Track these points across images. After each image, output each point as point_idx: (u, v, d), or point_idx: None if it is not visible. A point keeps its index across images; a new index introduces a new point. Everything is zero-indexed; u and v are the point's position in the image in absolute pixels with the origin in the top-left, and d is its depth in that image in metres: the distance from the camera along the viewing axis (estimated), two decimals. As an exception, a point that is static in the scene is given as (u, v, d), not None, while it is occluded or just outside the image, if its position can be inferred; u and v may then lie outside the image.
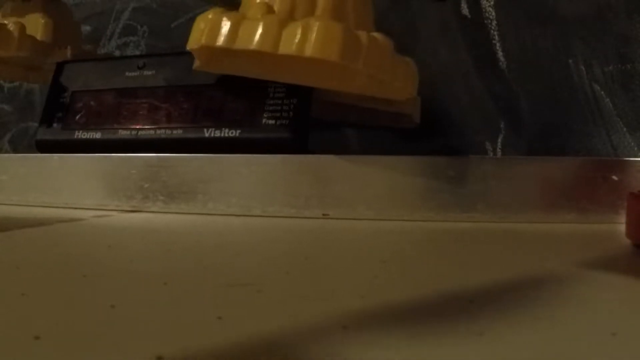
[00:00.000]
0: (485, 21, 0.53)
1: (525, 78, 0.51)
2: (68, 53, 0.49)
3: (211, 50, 0.34)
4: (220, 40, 0.32)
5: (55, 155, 0.41)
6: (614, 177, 0.32)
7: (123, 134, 0.42)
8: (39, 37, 0.50)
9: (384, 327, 0.15)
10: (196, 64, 0.36)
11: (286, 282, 0.20)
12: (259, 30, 0.30)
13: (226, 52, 0.33)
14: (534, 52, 0.51)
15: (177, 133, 0.40)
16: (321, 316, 0.16)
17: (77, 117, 0.44)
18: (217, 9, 0.33)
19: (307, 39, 0.30)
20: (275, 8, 0.33)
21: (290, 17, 0.32)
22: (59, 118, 0.44)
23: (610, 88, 0.48)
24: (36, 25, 0.51)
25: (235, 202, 0.36)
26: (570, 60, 0.50)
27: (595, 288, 0.19)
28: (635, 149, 0.48)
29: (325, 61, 0.30)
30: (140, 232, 0.32)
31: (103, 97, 0.44)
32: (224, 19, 0.32)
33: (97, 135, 0.42)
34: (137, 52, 0.67)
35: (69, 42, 0.52)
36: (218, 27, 0.32)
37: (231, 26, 0.31)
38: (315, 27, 0.30)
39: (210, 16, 0.33)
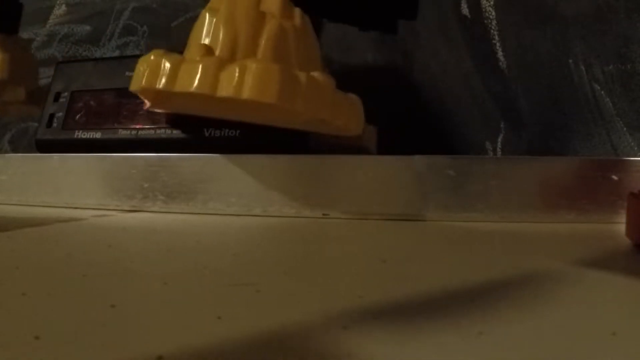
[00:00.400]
0: (485, 21, 0.53)
1: (525, 78, 0.51)
2: (23, 91, 0.48)
3: (155, 92, 0.34)
4: (160, 83, 0.32)
5: (55, 155, 0.41)
6: (614, 177, 0.32)
7: (123, 133, 0.42)
8: None
9: (383, 327, 0.15)
10: (146, 104, 0.36)
11: (286, 282, 0.20)
12: (197, 73, 0.31)
13: (169, 93, 0.33)
14: (534, 52, 0.51)
15: (177, 133, 0.40)
16: (321, 316, 0.16)
17: (77, 117, 0.44)
18: (159, 50, 0.33)
19: (244, 81, 0.30)
20: (217, 50, 0.33)
21: (231, 58, 0.32)
22: (58, 118, 0.44)
23: (610, 88, 0.48)
24: None
25: (235, 202, 0.36)
26: (570, 60, 0.50)
27: (595, 288, 0.19)
28: (635, 148, 0.48)
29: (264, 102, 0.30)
30: (140, 232, 0.32)
31: (103, 96, 0.44)
32: (164, 61, 0.32)
33: (97, 135, 0.42)
34: (137, 52, 0.67)
35: (26, 79, 0.51)
36: (158, 70, 0.32)
37: (170, 69, 0.32)
38: (252, 69, 0.30)
39: (151, 57, 0.33)
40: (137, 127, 0.41)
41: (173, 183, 0.38)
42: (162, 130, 0.40)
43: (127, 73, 0.44)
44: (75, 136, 0.43)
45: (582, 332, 0.14)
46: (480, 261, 0.24)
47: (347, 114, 0.33)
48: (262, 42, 0.33)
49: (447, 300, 0.17)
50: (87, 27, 0.71)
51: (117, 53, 0.69)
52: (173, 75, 0.32)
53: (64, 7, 0.72)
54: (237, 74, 0.30)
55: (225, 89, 0.30)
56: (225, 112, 0.35)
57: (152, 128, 0.41)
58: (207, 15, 0.35)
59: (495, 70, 0.52)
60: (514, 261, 0.24)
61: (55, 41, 0.73)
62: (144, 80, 0.32)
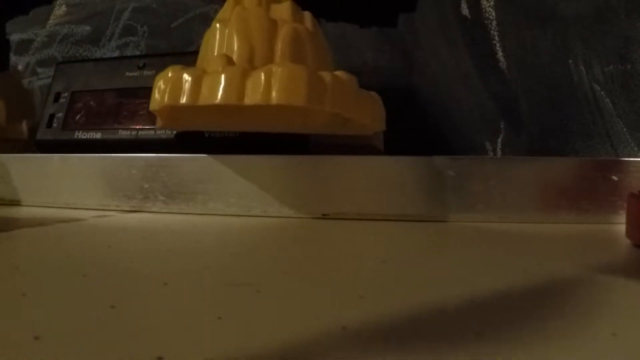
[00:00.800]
0: (485, 21, 0.53)
1: (525, 78, 0.51)
2: (24, 128, 0.48)
3: (174, 109, 0.33)
4: (184, 98, 0.31)
5: (56, 155, 0.41)
6: (614, 178, 0.32)
7: (123, 134, 0.42)
8: None
9: (383, 327, 0.15)
10: (158, 123, 0.36)
11: (286, 282, 0.20)
12: (222, 84, 0.30)
13: (189, 108, 0.32)
14: (534, 52, 0.51)
15: (177, 133, 0.40)
16: (321, 316, 0.16)
17: (77, 117, 0.44)
18: (175, 66, 0.33)
19: (272, 87, 0.29)
20: (235, 59, 0.32)
21: (250, 66, 0.32)
22: (59, 118, 0.44)
23: (610, 88, 0.48)
24: None
25: (235, 203, 0.36)
26: (570, 61, 0.50)
27: (595, 288, 0.19)
28: (635, 149, 0.48)
29: (291, 106, 0.30)
30: (141, 232, 0.32)
31: (103, 97, 0.44)
32: (185, 75, 0.31)
33: (97, 135, 0.42)
34: (137, 52, 0.67)
35: (24, 114, 0.51)
36: (180, 85, 0.31)
37: (192, 82, 0.31)
38: (278, 73, 0.30)
39: (170, 74, 0.32)
40: (137, 127, 0.41)
41: (173, 183, 0.38)
42: (162, 131, 0.40)
43: (127, 73, 0.44)
44: (75, 136, 0.43)
45: (581, 332, 0.14)
46: (480, 261, 0.24)
47: (371, 112, 0.33)
48: (279, 47, 0.33)
49: (446, 301, 0.17)
50: (87, 28, 0.71)
51: (117, 53, 0.69)
52: (196, 88, 0.31)
53: (64, 8, 0.72)
54: (263, 80, 0.29)
55: (253, 97, 0.29)
56: (246, 124, 0.35)
57: (152, 128, 0.41)
58: (219, 26, 0.34)
59: (495, 70, 0.52)
60: (514, 261, 0.24)
61: (55, 41, 0.73)
62: (166, 97, 0.31)
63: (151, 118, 0.41)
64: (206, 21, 0.64)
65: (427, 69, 0.55)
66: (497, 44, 0.52)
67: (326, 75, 0.31)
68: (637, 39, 0.47)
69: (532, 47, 0.51)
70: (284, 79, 0.29)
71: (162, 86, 0.32)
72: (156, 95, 0.33)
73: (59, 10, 0.73)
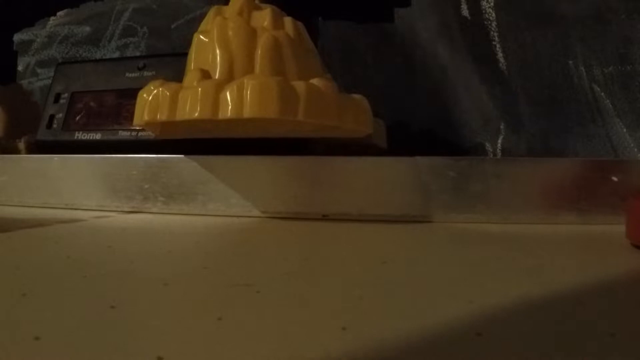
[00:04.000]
0: (485, 22, 0.53)
1: (525, 79, 0.51)
2: (22, 145, 0.47)
3: (158, 123, 0.34)
4: (162, 114, 0.32)
5: (56, 156, 0.41)
6: (614, 178, 0.32)
7: (123, 134, 0.42)
8: None
9: (383, 328, 0.15)
10: (153, 134, 0.36)
11: (286, 282, 0.20)
12: (196, 99, 0.31)
13: (172, 122, 0.33)
14: (534, 53, 0.51)
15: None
16: (320, 317, 0.16)
17: (77, 118, 0.44)
18: (157, 80, 0.33)
19: (244, 100, 0.30)
20: (216, 72, 0.33)
21: (230, 78, 0.32)
22: (59, 119, 0.44)
23: (610, 89, 0.48)
24: None
25: (235, 203, 0.36)
26: (570, 61, 0.50)
27: (595, 288, 0.19)
28: (635, 149, 0.48)
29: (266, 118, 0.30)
30: (141, 233, 0.32)
31: (103, 98, 0.44)
32: (163, 91, 0.32)
33: (97, 136, 0.42)
34: (137, 53, 0.67)
35: (25, 131, 0.50)
36: (157, 101, 0.32)
37: (170, 98, 0.32)
38: (250, 86, 0.30)
39: (150, 88, 0.33)
40: (137, 128, 0.41)
41: (173, 184, 0.38)
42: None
43: (127, 74, 0.44)
44: (76, 137, 0.43)
45: (581, 332, 0.14)
46: (480, 262, 0.24)
47: (353, 117, 0.33)
48: (258, 57, 0.33)
49: (446, 301, 0.17)
50: (87, 28, 0.71)
51: (117, 54, 0.69)
52: (173, 104, 0.31)
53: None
54: (235, 94, 0.30)
55: (226, 111, 0.30)
56: (233, 131, 0.35)
57: (152, 129, 0.41)
58: (200, 39, 0.35)
59: (495, 70, 0.52)
60: (514, 262, 0.24)
61: (55, 42, 0.73)
62: (145, 114, 0.32)
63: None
64: (206, 22, 0.64)
65: (427, 69, 0.55)
66: (497, 45, 0.52)
67: (300, 86, 0.31)
68: (637, 40, 0.47)
69: (532, 47, 0.51)
70: (256, 92, 0.30)
71: (143, 102, 0.33)
72: (138, 110, 0.34)
73: (59, 11, 0.73)
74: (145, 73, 0.43)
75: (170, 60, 0.43)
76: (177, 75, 0.42)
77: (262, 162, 0.36)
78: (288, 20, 0.35)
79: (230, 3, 0.36)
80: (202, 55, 0.34)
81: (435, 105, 0.55)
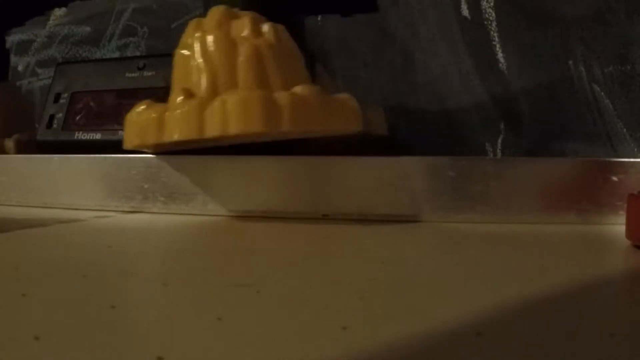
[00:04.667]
0: (485, 22, 0.53)
1: (525, 79, 0.51)
2: (11, 144, 0.47)
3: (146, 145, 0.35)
4: (150, 137, 0.32)
5: (56, 156, 0.41)
6: (614, 178, 0.32)
7: (123, 134, 0.42)
8: None
9: (383, 328, 0.15)
10: (148, 151, 0.37)
11: (285, 282, 0.20)
12: (181, 120, 0.31)
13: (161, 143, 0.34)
14: (534, 53, 0.51)
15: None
16: (321, 316, 0.16)
17: (77, 118, 0.44)
18: (144, 102, 0.34)
19: (228, 117, 0.30)
20: (200, 87, 0.33)
21: (213, 94, 0.32)
22: (59, 119, 0.44)
23: (610, 89, 0.48)
24: None
25: (235, 203, 0.36)
26: (570, 61, 0.50)
27: (595, 288, 0.19)
28: (635, 149, 0.48)
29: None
30: (140, 232, 0.32)
31: (103, 97, 0.44)
32: (149, 113, 0.33)
33: (97, 136, 0.42)
34: (137, 53, 0.67)
35: (18, 127, 0.50)
36: (145, 124, 0.33)
37: (156, 121, 0.32)
38: (232, 102, 0.30)
39: (137, 111, 0.34)
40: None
41: (173, 184, 0.38)
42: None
43: (127, 74, 0.44)
44: (75, 137, 0.43)
45: (580, 332, 0.14)
46: (480, 262, 0.24)
47: (340, 119, 0.33)
48: (240, 69, 0.33)
49: (446, 301, 0.17)
50: (87, 28, 0.71)
51: (117, 54, 0.69)
52: (160, 126, 0.32)
53: (64, 8, 0.72)
54: (218, 111, 0.30)
55: (211, 130, 0.30)
56: (221, 143, 0.35)
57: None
58: (182, 54, 0.35)
59: (495, 70, 0.52)
60: (514, 262, 0.24)
61: (55, 42, 0.73)
62: (134, 138, 0.33)
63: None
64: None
65: (427, 69, 0.55)
66: (497, 45, 0.52)
67: (283, 97, 0.31)
68: (637, 40, 0.47)
69: (532, 47, 0.51)
70: (239, 108, 0.30)
71: (131, 125, 0.34)
72: (127, 134, 0.34)
73: (59, 10, 0.73)
74: (145, 73, 0.43)
75: (170, 60, 0.43)
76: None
77: (262, 162, 0.36)
78: (268, 27, 0.35)
79: (209, 15, 0.36)
80: (184, 71, 0.34)
81: (435, 105, 0.55)
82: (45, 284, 0.19)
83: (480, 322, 0.15)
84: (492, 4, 0.52)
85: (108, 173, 0.39)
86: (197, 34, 0.34)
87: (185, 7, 0.66)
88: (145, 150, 0.37)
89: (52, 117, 0.44)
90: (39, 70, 0.73)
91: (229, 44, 0.34)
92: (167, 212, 0.37)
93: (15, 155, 0.43)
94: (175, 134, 0.31)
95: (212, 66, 0.33)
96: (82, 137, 0.43)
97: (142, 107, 0.34)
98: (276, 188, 0.36)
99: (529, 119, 0.51)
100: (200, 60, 0.34)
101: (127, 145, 0.35)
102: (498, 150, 0.53)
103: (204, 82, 0.33)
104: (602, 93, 0.49)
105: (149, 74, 0.43)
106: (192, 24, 0.36)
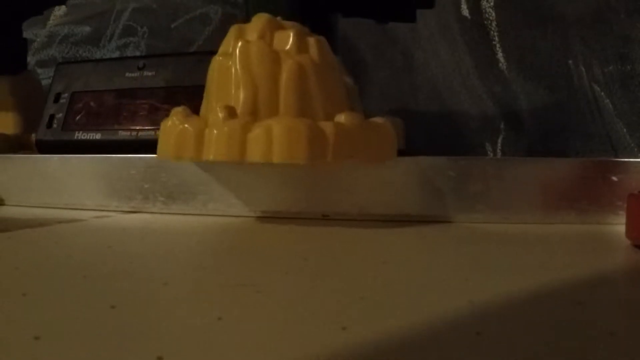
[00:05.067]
0: (485, 22, 0.53)
1: (525, 78, 0.51)
2: (32, 139, 0.47)
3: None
4: (188, 153, 0.32)
5: (56, 156, 0.41)
6: (614, 178, 0.32)
7: (123, 134, 0.42)
8: (9, 132, 0.49)
9: (383, 328, 0.15)
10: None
11: (286, 282, 0.20)
12: (223, 141, 0.30)
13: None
14: (534, 53, 0.51)
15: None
16: (321, 317, 0.16)
17: (77, 118, 0.44)
18: (180, 111, 0.33)
19: (272, 144, 0.30)
20: (238, 102, 0.32)
21: (253, 110, 0.32)
22: (59, 119, 0.44)
23: (610, 89, 0.48)
24: (5, 120, 0.49)
25: (235, 203, 0.36)
26: (570, 61, 0.50)
27: (595, 288, 0.19)
28: (635, 149, 0.48)
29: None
30: (140, 232, 0.32)
31: (103, 97, 0.44)
32: (187, 128, 0.32)
33: (97, 136, 0.42)
34: (137, 53, 0.67)
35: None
36: (183, 139, 0.32)
37: (195, 137, 0.31)
38: (278, 130, 0.30)
39: (175, 121, 0.32)
40: (137, 128, 0.41)
41: (173, 184, 0.38)
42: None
43: (127, 74, 0.44)
44: (75, 137, 0.43)
45: (580, 332, 0.14)
46: (480, 262, 0.24)
47: (378, 148, 0.33)
48: (282, 87, 0.32)
49: (446, 301, 0.17)
50: (87, 28, 0.71)
51: (117, 54, 0.69)
52: (199, 143, 0.31)
53: (64, 8, 0.73)
54: (263, 138, 0.30)
55: (253, 155, 0.30)
56: (253, 166, 0.35)
57: (152, 129, 0.41)
58: (221, 62, 0.34)
59: (495, 70, 0.52)
60: (514, 262, 0.24)
61: (55, 42, 0.73)
62: (171, 153, 0.32)
63: (151, 119, 0.41)
64: (206, 22, 0.64)
65: (427, 69, 0.55)
66: (497, 44, 0.52)
67: (328, 127, 0.30)
68: (637, 40, 0.47)
69: (532, 47, 0.51)
70: (284, 137, 0.30)
71: (167, 137, 0.33)
72: (162, 145, 0.33)
73: (59, 10, 0.73)
74: (145, 73, 0.43)
75: (170, 60, 0.43)
76: (176, 75, 0.42)
77: (262, 162, 0.36)
78: (312, 42, 0.34)
79: (252, 23, 0.35)
80: (223, 80, 0.33)
81: (435, 105, 0.55)
82: (45, 284, 0.19)
83: (480, 322, 0.15)
84: (492, 3, 0.52)
85: (108, 173, 0.39)
86: (239, 43, 0.33)
87: (185, 7, 0.66)
88: (172, 160, 0.36)
89: (52, 117, 0.44)
90: (39, 70, 0.73)
91: (272, 57, 0.33)
92: (167, 212, 0.38)
93: (15, 155, 0.43)
94: (215, 154, 0.31)
95: (253, 79, 0.32)
96: (82, 137, 0.43)
97: (179, 117, 0.33)
98: (276, 188, 0.36)
99: (529, 119, 0.51)
100: (241, 71, 0.33)
101: (161, 156, 0.34)
102: (498, 150, 0.53)
103: (244, 97, 0.32)
104: (602, 93, 0.49)
105: (149, 74, 0.43)
106: (233, 30, 0.35)
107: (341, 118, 0.31)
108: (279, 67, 0.33)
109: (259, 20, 0.34)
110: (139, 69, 0.44)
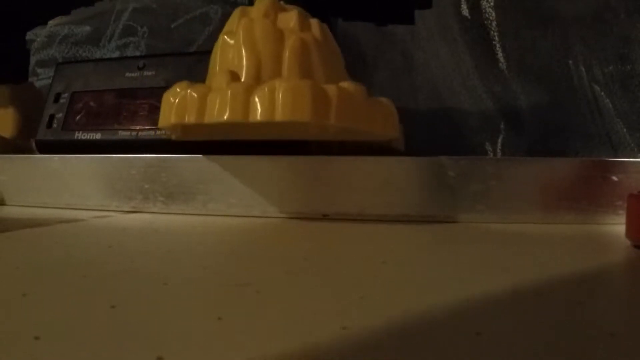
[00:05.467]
0: (485, 22, 0.53)
1: (525, 78, 0.51)
2: (33, 144, 0.47)
3: (183, 125, 0.33)
4: (190, 117, 0.31)
5: (56, 156, 0.41)
6: (614, 178, 0.32)
7: (123, 134, 0.42)
8: (8, 135, 0.49)
9: (383, 328, 0.15)
10: (173, 136, 0.36)
11: (286, 282, 0.20)
12: (226, 102, 0.30)
13: (197, 124, 0.32)
14: (534, 53, 0.51)
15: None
16: (321, 317, 0.16)
17: (77, 118, 0.44)
18: (183, 82, 0.33)
19: (275, 103, 0.29)
20: (242, 74, 0.32)
21: (257, 81, 0.31)
22: (59, 119, 0.44)
23: (610, 89, 0.48)
24: (5, 122, 0.50)
25: (235, 203, 0.36)
26: (570, 61, 0.50)
27: (595, 288, 0.19)
28: (635, 149, 0.48)
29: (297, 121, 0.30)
30: (141, 232, 0.32)
31: (103, 97, 0.44)
32: (190, 93, 0.31)
33: (97, 135, 0.42)
34: (137, 53, 0.68)
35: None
36: (185, 104, 0.32)
37: (198, 100, 0.31)
38: (282, 89, 0.29)
39: (177, 90, 0.32)
40: (137, 128, 0.41)
41: (173, 184, 0.38)
42: (162, 131, 0.40)
43: (127, 74, 0.44)
44: (75, 137, 0.43)
45: (580, 332, 0.14)
46: (480, 262, 0.24)
47: (382, 121, 0.33)
48: (285, 60, 0.32)
49: (446, 300, 0.17)
50: (87, 28, 0.71)
51: (117, 54, 0.69)
52: (202, 106, 0.31)
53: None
54: (267, 97, 0.29)
55: (257, 114, 0.30)
56: (258, 134, 0.35)
57: (152, 129, 0.41)
58: (226, 39, 0.34)
59: (495, 70, 0.52)
60: (514, 262, 0.24)
61: (55, 42, 0.73)
62: (172, 117, 0.32)
63: (151, 119, 0.41)
64: (206, 21, 0.64)
65: (427, 69, 0.55)
66: (497, 44, 0.52)
67: (331, 89, 0.30)
68: (637, 40, 0.47)
69: (532, 47, 0.51)
70: (288, 95, 0.29)
71: (170, 104, 0.32)
72: (164, 112, 0.33)
73: (73, 9, 0.73)
74: (145, 73, 0.43)
75: (170, 60, 0.43)
76: (176, 75, 0.42)
77: (262, 162, 0.36)
78: (314, 23, 0.35)
79: (256, 4, 0.35)
80: (227, 56, 0.34)
81: (435, 105, 0.55)
82: (45, 284, 0.19)
83: (480, 322, 0.15)
84: (492, 3, 0.52)
85: (108, 173, 0.39)
86: (243, 20, 0.34)
87: (185, 7, 0.66)
88: (173, 133, 0.35)
89: (52, 117, 0.44)
90: (39, 70, 0.73)
91: (276, 34, 0.33)
92: (167, 212, 0.38)
93: (16, 155, 0.43)
94: (217, 115, 0.30)
95: (257, 53, 0.32)
96: (82, 137, 0.43)
97: (182, 86, 0.32)
98: (276, 188, 0.36)
99: (529, 119, 0.51)
100: (245, 46, 0.33)
101: (162, 123, 0.33)
102: (498, 150, 0.53)
103: (247, 68, 0.32)
104: (602, 93, 0.49)
105: (149, 73, 0.43)
106: (237, 12, 0.36)
107: (345, 84, 0.31)
108: (282, 43, 0.33)
109: (263, 1, 0.35)
110: (139, 68, 0.44)
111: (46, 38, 0.73)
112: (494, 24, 0.52)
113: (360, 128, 0.32)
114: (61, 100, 0.45)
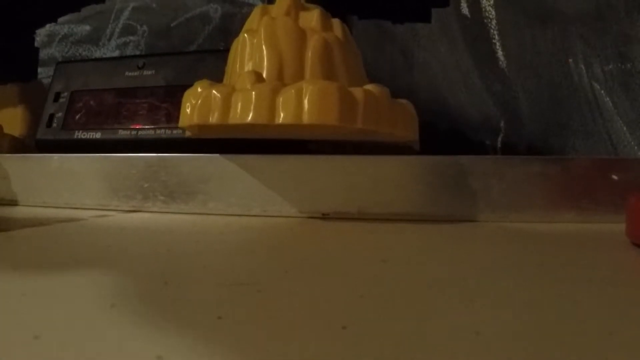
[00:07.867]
0: (485, 20, 0.53)
1: (525, 77, 0.51)
2: (32, 143, 0.48)
3: (206, 125, 0.33)
4: (213, 117, 0.31)
5: (55, 155, 0.41)
6: (614, 177, 0.32)
7: (123, 133, 0.42)
8: (17, 133, 0.49)
9: (383, 327, 0.15)
10: (188, 134, 0.35)
11: (286, 282, 0.20)
12: (252, 103, 0.30)
13: (219, 124, 0.32)
14: (534, 52, 0.51)
15: (177, 133, 0.40)
16: (321, 316, 0.16)
17: (77, 117, 0.44)
18: (204, 81, 0.32)
19: (303, 105, 0.29)
20: (264, 73, 0.32)
21: (280, 81, 0.31)
22: (58, 118, 0.44)
23: (610, 87, 0.48)
24: (15, 120, 0.50)
25: (235, 202, 0.36)
26: (570, 60, 0.50)
27: (594, 287, 0.19)
28: (635, 148, 0.48)
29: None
30: (140, 232, 0.32)
31: (103, 96, 0.44)
32: (214, 92, 0.31)
33: (97, 135, 0.42)
34: (137, 52, 0.67)
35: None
36: (209, 103, 0.31)
37: (222, 101, 0.31)
38: (309, 91, 0.29)
39: (199, 90, 0.32)
40: (137, 127, 0.41)
41: (173, 183, 0.38)
42: (162, 130, 0.40)
43: (126, 73, 0.44)
44: (75, 136, 0.43)
45: (580, 332, 0.14)
46: (480, 261, 0.24)
47: (403, 123, 0.33)
48: (308, 60, 0.32)
49: (446, 300, 0.17)
50: (87, 27, 0.71)
51: (117, 53, 0.69)
52: (226, 107, 0.30)
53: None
54: (294, 99, 0.29)
55: (284, 116, 0.29)
56: (278, 133, 0.34)
57: (152, 128, 0.41)
58: (247, 37, 0.34)
59: (495, 70, 0.52)
60: (513, 261, 0.24)
61: (55, 41, 0.73)
62: (195, 117, 0.31)
63: (151, 118, 0.41)
64: (206, 21, 0.64)
65: (427, 67, 0.55)
66: (497, 43, 0.52)
67: (358, 92, 0.30)
68: (637, 38, 0.47)
69: (532, 45, 0.51)
70: (316, 98, 0.29)
71: (192, 103, 0.32)
72: (186, 111, 0.32)
73: (81, 6, 0.73)
74: (145, 72, 0.43)
75: (170, 59, 0.43)
76: (176, 74, 0.42)
77: (262, 161, 0.36)
78: (336, 22, 0.34)
79: (277, 2, 0.35)
80: (247, 56, 0.33)
81: (435, 103, 0.55)
82: (45, 284, 0.19)
83: (480, 321, 0.15)
84: (492, 2, 0.52)
85: (108, 172, 0.39)
86: (264, 19, 0.33)
87: (185, 6, 0.66)
88: (194, 131, 0.35)
89: (51, 116, 0.44)
90: (39, 70, 0.73)
91: (298, 32, 0.32)
92: (167, 211, 0.38)
93: (15, 155, 0.43)
94: (243, 116, 0.30)
95: (280, 52, 0.32)
96: (82, 137, 0.43)
97: (204, 85, 0.32)
98: (276, 187, 0.36)
99: (529, 118, 0.51)
100: (267, 45, 0.32)
101: (184, 123, 0.33)
102: (498, 149, 0.53)
103: (269, 67, 0.32)
104: (602, 91, 0.49)
105: (149, 73, 0.43)
106: (257, 10, 0.35)
107: (370, 87, 0.31)
108: (304, 42, 0.32)
109: (284, 0, 0.34)
110: (139, 68, 0.44)
111: (46, 37, 0.73)
112: (494, 22, 0.52)
113: (383, 130, 0.31)
114: (61, 100, 0.45)
